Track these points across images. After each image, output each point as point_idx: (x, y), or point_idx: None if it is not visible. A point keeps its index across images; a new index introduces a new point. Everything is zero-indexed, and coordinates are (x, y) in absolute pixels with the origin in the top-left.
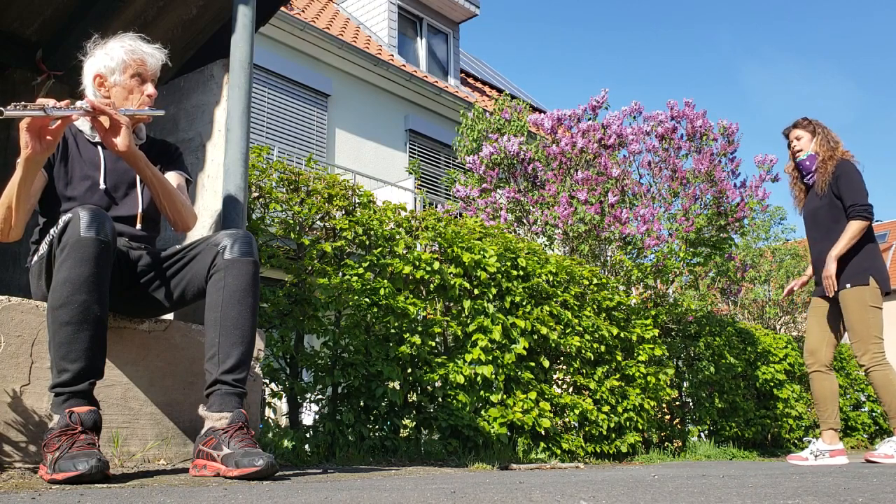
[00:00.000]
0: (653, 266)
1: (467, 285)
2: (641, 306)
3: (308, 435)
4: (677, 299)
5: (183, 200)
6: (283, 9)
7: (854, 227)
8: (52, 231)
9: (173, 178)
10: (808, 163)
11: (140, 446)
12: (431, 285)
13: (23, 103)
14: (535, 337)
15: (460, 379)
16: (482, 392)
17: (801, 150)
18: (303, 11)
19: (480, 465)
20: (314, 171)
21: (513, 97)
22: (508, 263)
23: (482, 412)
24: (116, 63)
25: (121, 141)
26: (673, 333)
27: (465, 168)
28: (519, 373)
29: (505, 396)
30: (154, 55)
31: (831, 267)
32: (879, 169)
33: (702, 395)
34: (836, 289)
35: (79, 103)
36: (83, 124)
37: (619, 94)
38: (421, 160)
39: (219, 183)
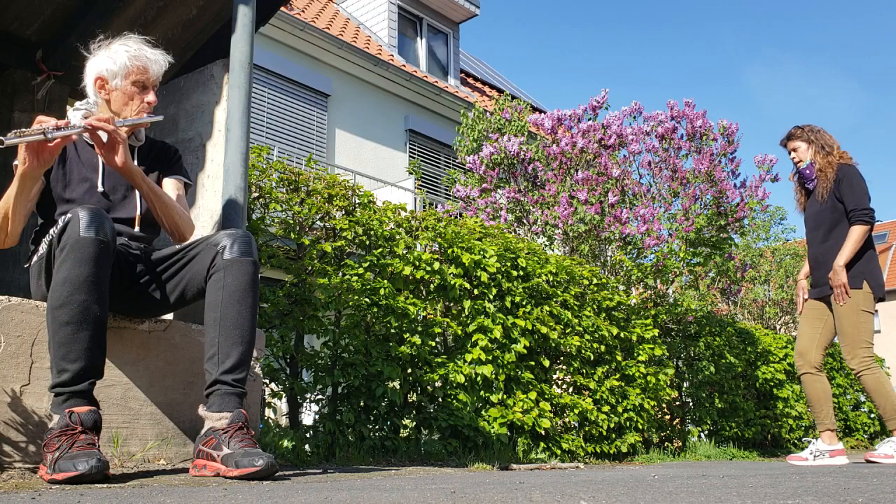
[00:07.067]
0: (653, 266)
1: (467, 285)
2: (641, 306)
3: (308, 435)
4: (677, 299)
5: (180, 213)
6: (283, 9)
7: (857, 233)
8: (51, 231)
9: (172, 185)
10: (808, 171)
11: (140, 446)
12: (431, 285)
13: (22, 130)
14: (536, 337)
15: (460, 379)
16: (482, 392)
17: (800, 161)
18: (303, 11)
19: (480, 465)
20: (314, 171)
21: (513, 97)
22: (508, 264)
23: (482, 412)
24: (119, 67)
25: (118, 158)
26: (673, 333)
27: (465, 168)
28: (519, 373)
29: (505, 396)
30: (158, 62)
31: (842, 276)
32: (881, 169)
33: (702, 395)
34: (848, 296)
35: (76, 120)
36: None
37: (620, 94)
38: (421, 160)
39: (219, 183)
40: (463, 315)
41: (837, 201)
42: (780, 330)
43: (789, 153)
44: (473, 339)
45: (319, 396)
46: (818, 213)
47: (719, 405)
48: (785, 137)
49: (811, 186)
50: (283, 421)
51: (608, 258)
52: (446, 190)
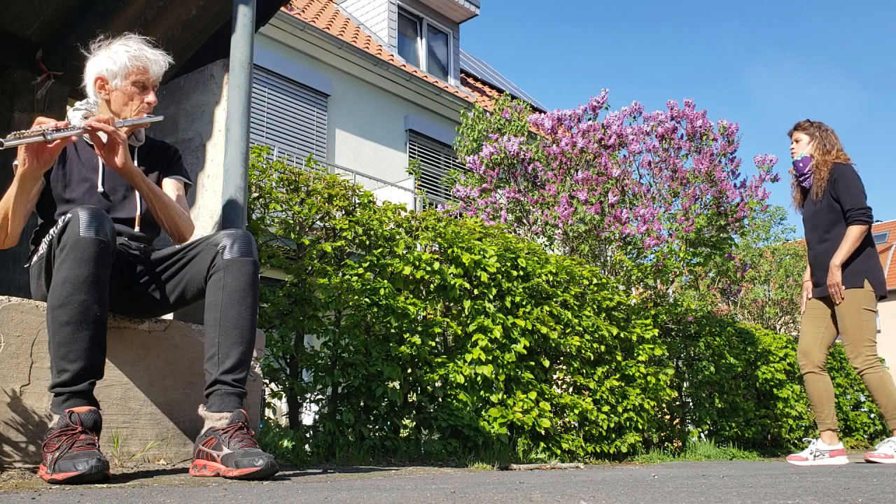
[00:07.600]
0: (653, 266)
1: (467, 285)
2: (641, 306)
3: (308, 435)
4: (677, 299)
5: (180, 213)
6: (283, 9)
7: (854, 232)
8: (51, 231)
9: (172, 185)
10: (801, 164)
11: (140, 446)
12: (431, 285)
13: (21, 131)
14: (536, 337)
15: (460, 379)
16: (482, 392)
17: (796, 152)
18: (303, 11)
19: (480, 465)
20: (314, 171)
21: (513, 97)
22: (508, 264)
23: (482, 412)
24: (119, 67)
25: (118, 159)
26: (673, 333)
27: (465, 168)
28: (519, 373)
29: (505, 396)
30: (158, 62)
31: (837, 275)
32: (881, 169)
33: (702, 395)
34: (843, 296)
35: (76, 121)
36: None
37: (620, 94)
38: (421, 160)
39: (219, 183)
40: (463, 315)
41: (833, 201)
42: (780, 330)
43: (792, 143)
44: (473, 339)
45: (319, 396)
46: (815, 214)
47: (719, 405)
48: (793, 127)
49: (806, 184)
50: (283, 421)
51: (608, 258)
52: (446, 190)
